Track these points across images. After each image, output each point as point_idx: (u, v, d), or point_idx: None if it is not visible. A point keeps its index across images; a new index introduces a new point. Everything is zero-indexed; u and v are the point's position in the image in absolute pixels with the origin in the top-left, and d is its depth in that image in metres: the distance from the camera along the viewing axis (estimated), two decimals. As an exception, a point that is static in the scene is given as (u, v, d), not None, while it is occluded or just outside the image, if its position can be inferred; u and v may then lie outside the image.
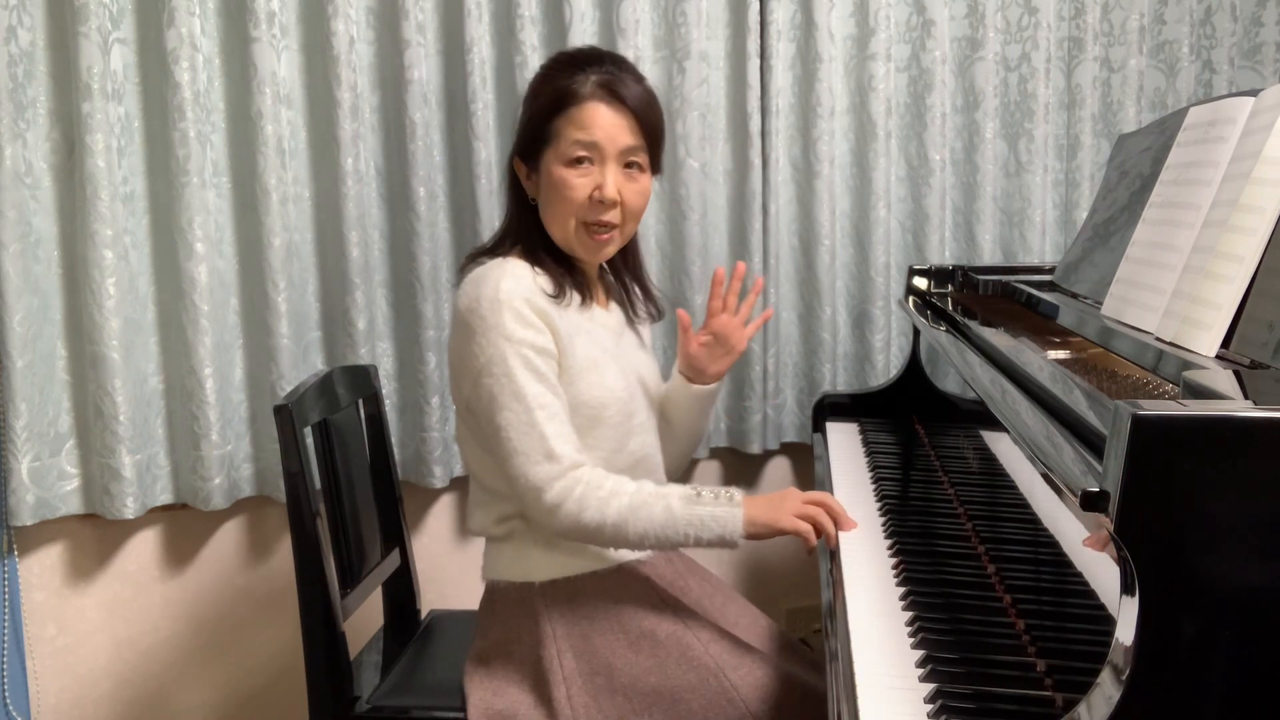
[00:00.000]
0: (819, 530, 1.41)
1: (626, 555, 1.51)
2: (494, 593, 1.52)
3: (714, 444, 2.31)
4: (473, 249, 1.59)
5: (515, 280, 1.43)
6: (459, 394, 1.47)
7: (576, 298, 1.50)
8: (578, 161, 1.46)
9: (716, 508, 1.38)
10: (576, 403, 1.45)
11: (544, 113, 1.47)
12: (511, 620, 1.48)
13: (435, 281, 2.11)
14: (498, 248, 1.53)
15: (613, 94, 1.46)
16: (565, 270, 1.51)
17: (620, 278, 1.65)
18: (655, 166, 1.54)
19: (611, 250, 1.53)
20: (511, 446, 1.38)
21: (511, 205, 1.57)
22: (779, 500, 1.42)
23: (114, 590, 2.11)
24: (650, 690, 1.42)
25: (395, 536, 1.85)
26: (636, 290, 1.65)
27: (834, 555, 1.40)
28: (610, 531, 1.38)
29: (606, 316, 1.58)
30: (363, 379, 1.84)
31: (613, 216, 1.48)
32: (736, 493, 1.41)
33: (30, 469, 1.95)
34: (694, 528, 1.38)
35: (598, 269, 1.61)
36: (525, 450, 1.38)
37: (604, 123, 1.46)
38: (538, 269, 1.48)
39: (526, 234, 1.52)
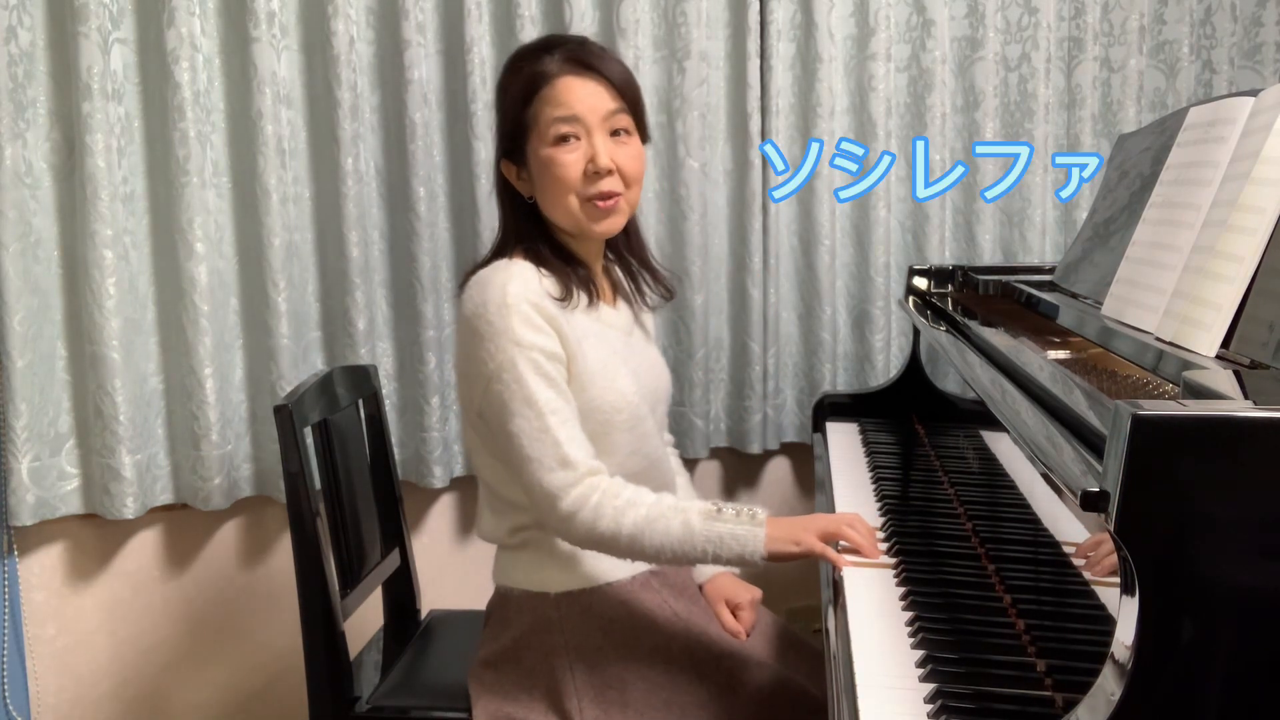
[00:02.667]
0: (842, 547, 1.36)
1: (642, 567, 1.48)
2: (506, 598, 1.50)
3: (714, 444, 2.31)
4: (475, 262, 1.53)
5: (522, 283, 1.39)
6: (469, 401, 1.43)
7: (583, 298, 1.47)
8: (563, 139, 1.42)
9: (737, 525, 1.32)
10: (589, 408, 1.41)
11: (517, 103, 1.44)
12: (524, 628, 1.46)
13: (435, 281, 2.11)
14: (497, 254, 1.49)
15: (582, 65, 1.43)
16: (571, 269, 1.47)
17: (625, 263, 1.61)
18: (643, 133, 1.50)
19: (620, 221, 1.48)
20: (525, 454, 1.35)
21: (507, 210, 1.52)
22: (805, 521, 1.36)
23: (114, 590, 2.11)
24: (660, 705, 1.41)
25: (395, 536, 1.85)
26: (644, 274, 1.61)
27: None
28: (625, 542, 1.34)
29: (615, 316, 1.54)
30: (363, 379, 1.84)
31: (613, 185, 1.44)
32: (760, 511, 1.34)
33: (30, 469, 1.95)
34: (713, 545, 1.32)
35: (602, 265, 1.57)
36: (539, 457, 1.34)
37: (580, 94, 1.42)
38: (542, 269, 1.45)
39: (527, 235, 1.48)
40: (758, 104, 2.19)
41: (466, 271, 1.50)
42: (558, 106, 1.42)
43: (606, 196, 1.44)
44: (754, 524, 1.33)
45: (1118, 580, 0.80)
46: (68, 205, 1.95)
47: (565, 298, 1.44)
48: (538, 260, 1.46)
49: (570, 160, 1.42)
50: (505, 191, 1.52)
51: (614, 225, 1.47)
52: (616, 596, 1.47)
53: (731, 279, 2.27)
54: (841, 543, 1.37)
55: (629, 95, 1.47)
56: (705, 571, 1.63)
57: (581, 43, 1.48)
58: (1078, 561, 1.03)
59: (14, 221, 1.89)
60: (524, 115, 1.44)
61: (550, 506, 1.35)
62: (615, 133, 1.45)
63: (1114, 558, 0.84)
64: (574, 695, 1.40)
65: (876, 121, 2.23)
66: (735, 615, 1.57)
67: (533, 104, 1.43)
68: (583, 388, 1.41)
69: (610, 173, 1.43)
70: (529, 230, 1.48)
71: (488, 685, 1.46)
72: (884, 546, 1.41)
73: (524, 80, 1.44)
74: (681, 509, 1.34)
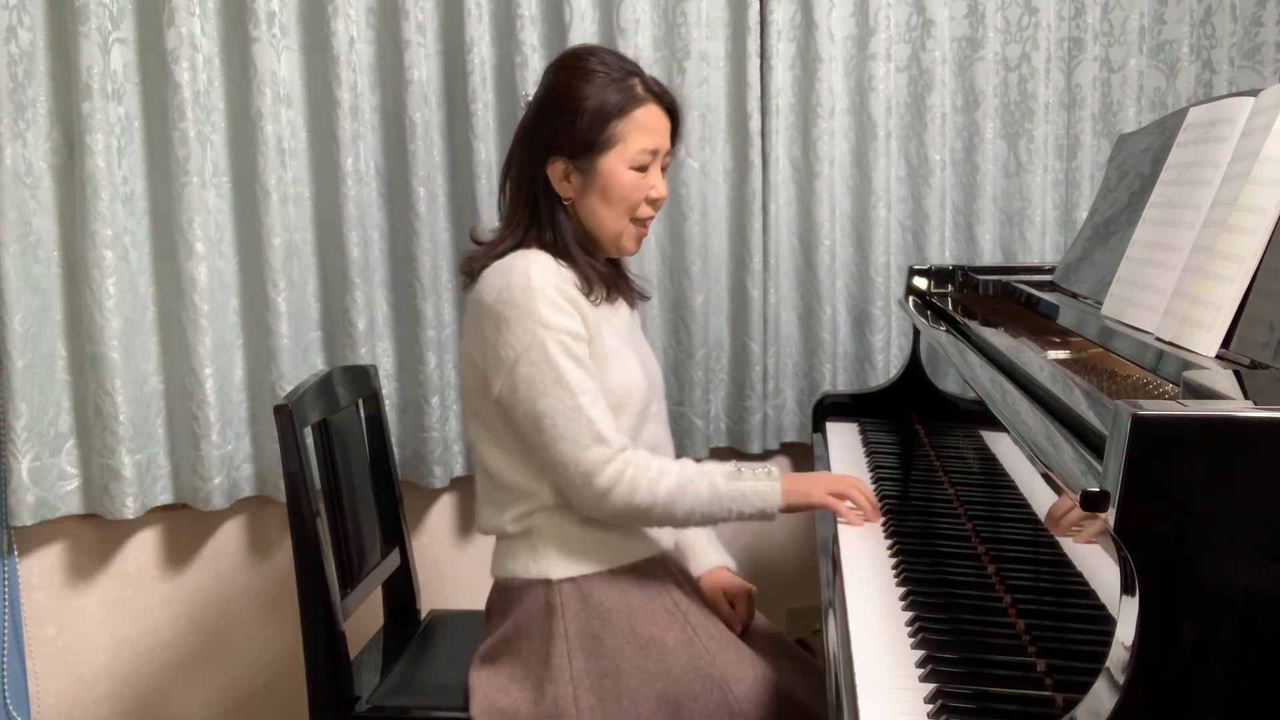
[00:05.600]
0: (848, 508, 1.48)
1: (643, 553, 1.51)
2: (506, 590, 1.52)
3: (714, 444, 2.31)
4: (479, 247, 1.55)
5: (543, 269, 1.44)
6: (482, 393, 1.46)
7: (603, 292, 1.52)
8: (643, 167, 1.51)
9: (757, 483, 1.43)
10: (604, 390, 1.46)
11: (605, 116, 1.48)
12: (523, 617, 1.48)
13: (435, 281, 2.11)
14: (516, 246, 1.50)
15: (659, 97, 1.53)
16: (593, 265, 1.53)
17: (614, 266, 1.63)
18: None
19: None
20: (558, 433, 1.40)
21: (532, 206, 1.52)
22: (814, 477, 1.52)
23: (114, 590, 2.11)
24: (655, 696, 1.42)
25: (395, 536, 1.85)
26: (618, 278, 1.64)
27: (834, 555, 1.40)
28: (660, 511, 1.42)
29: (622, 309, 1.60)
30: (363, 379, 1.84)
31: (656, 213, 1.57)
32: (774, 469, 1.47)
33: (30, 469, 1.95)
34: (737, 503, 1.43)
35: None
36: (573, 436, 1.40)
37: (660, 127, 1.52)
38: (562, 263, 1.49)
39: (556, 232, 1.51)
40: (758, 104, 2.19)
41: (470, 259, 1.53)
42: (649, 135, 1.51)
43: (647, 222, 1.55)
44: (771, 480, 1.45)
45: (1089, 541, 0.80)
46: (68, 205, 1.95)
47: (589, 293, 1.49)
48: (559, 255, 1.50)
49: (644, 186, 1.52)
50: (535, 188, 1.52)
51: (640, 248, 1.60)
52: (617, 584, 1.48)
53: (731, 279, 2.27)
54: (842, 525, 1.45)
55: (678, 134, 1.58)
56: (703, 564, 1.65)
57: (637, 65, 1.56)
58: (1049, 526, 1.03)
59: (14, 221, 1.90)
60: (608, 128, 1.48)
61: (586, 483, 1.40)
62: (663, 167, 1.56)
63: (1082, 520, 0.84)
64: (570, 682, 1.41)
65: (876, 121, 2.23)
66: (732, 607, 1.59)
67: (622, 122, 1.49)
68: (600, 368, 1.46)
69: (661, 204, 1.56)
70: (559, 227, 1.51)
71: (485, 677, 1.48)
72: (885, 546, 1.42)
73: (618, 95, 1.49)
74: (705, 472, 1.44)
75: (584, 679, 1.41)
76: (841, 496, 1.48)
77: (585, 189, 1.50)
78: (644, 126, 1.50)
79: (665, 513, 1.42)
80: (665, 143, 1.53)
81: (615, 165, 1.49)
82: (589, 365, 1.44)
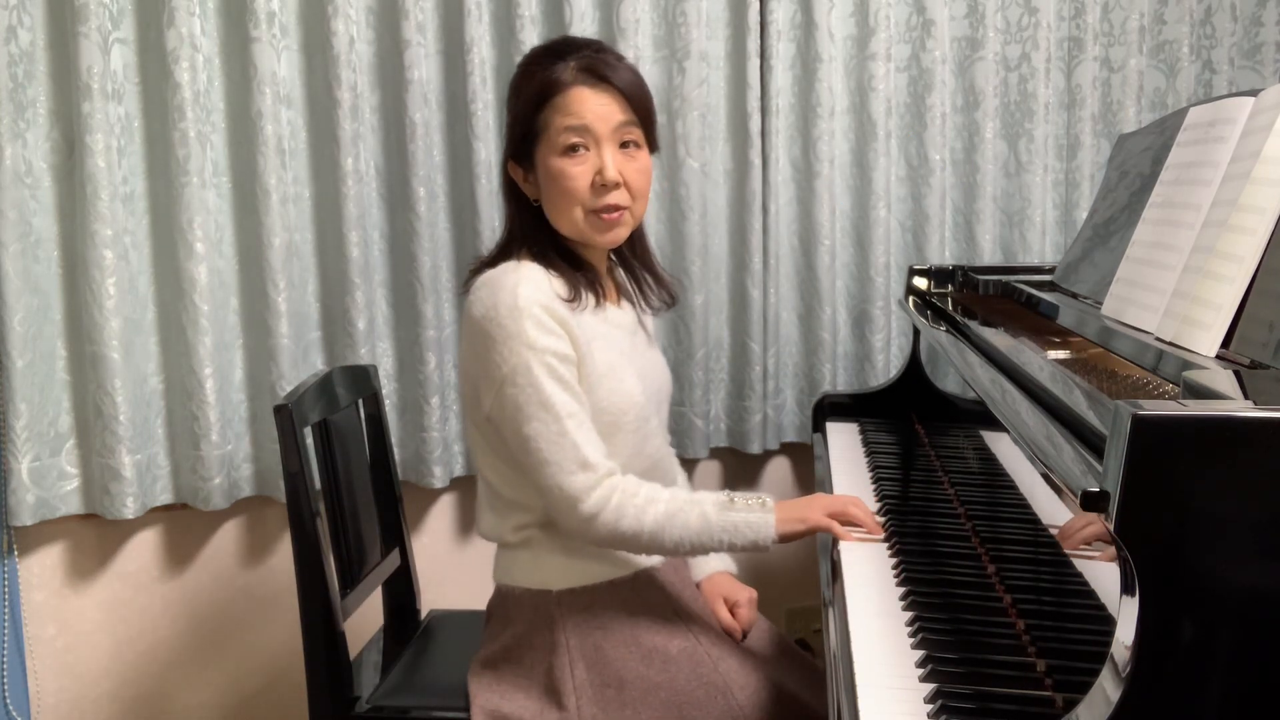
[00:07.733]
0: (849, 524, 1.43)
1: (643, 563, 1.50)
2: (507, 597, 1.51)
3: (714, 444, 2.31)
4: (477, 259, 1.54)
5: (533, 286, 1.39)
6: (477, 406, 1.44)
7: (591, 299, 1.47)
8: (572, 149, 1.42)
9: (750, 514, 1.39)
10: (597, 409, 1.42)
11: (529, 108, 1.44)
12: (524, 626, 1.47)
13: (435, 281, 2.11)
14: (504, 255, 1.49)
15: (596, 76, 1.43)
16: (578, 270, 1.48)
17: (629, 268, 1.61)
18: (652, 144, 1.50)
19: (624, 232, 1.49)
20: (543, 457, 1.36)
21: (512, 211, 1.52)
22: (808, 501, 1.45)
23: (114, 590, 2.11)
24: (659, 704, 1.41)
25: (395, 536, 1.85)
26: (648, 279, 1.61)
27: (834, 555, 1.40)
28: (647, 539, 1.38)
29: (620, 315, 1.55)
30: (363, 379, 1.84)
31: (619, 198, 1.44)
32: (768, 498, 1.42)
33: (30, 469, 1.95)
34: (728, 533, 1.38)
35: (607, 265, 1.58)
36: (558, 460, 1.36)
37: (591, 105, 1.42)
38: (551, 271, 1.45)
39: (534, 238, 1.48)
40: (758, 104, 2.19)
41: (471, 269, 1.51)
42: (568, 116, 1.42)
43: (612, 209, 1.44)
44: (765, 510, 1.40)
45: (1096, 553, 0.80)
46: (68, 205, 1.95)
47: (573, 299, 1.44)
48: (544, 262, 1.46)
49: (578, 172, 1.42)
50: (511, 192, 1.52)
51: (617, 237, 1.49)
52: (618, 595, 1.47)
53: (731, 279, 2.27)
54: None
55: (640, 107, 1.47)
56: (703, 569, 1.64)
57: (597, 50, 1.47)
58: (1061, 540, 1.03)
59: (14, 221, 1.89)
60: (534, 121, 1.44)
61: (571, 509, 1.37)
62: (624, 145, 1.45)
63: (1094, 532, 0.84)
64: (573, 693, 1.40)
65: (876, 121, 2.23)
66: (733, 613, 1.58)
67: (544, 111, 1.43)
68: (591, 389, 1.42)
69: (617, 186, 1.44)
70: (535, 232, 1.48)
71: (486, 684, 1.47)
72: (884, 546, 1.42)
73: (537, 85, 1.44)
74: (696, 501, 1.39)
75: (587, 689, 1.40)
76: (839, 516, 1.43)
77: (539, 188, 1.47)
78: (563, 109, 1.42)
79: (653, 540, 1.38)
80: (604, 120, 1.42)
81: (545, 155, 1.44)
82: (576, 388, 1.39)
